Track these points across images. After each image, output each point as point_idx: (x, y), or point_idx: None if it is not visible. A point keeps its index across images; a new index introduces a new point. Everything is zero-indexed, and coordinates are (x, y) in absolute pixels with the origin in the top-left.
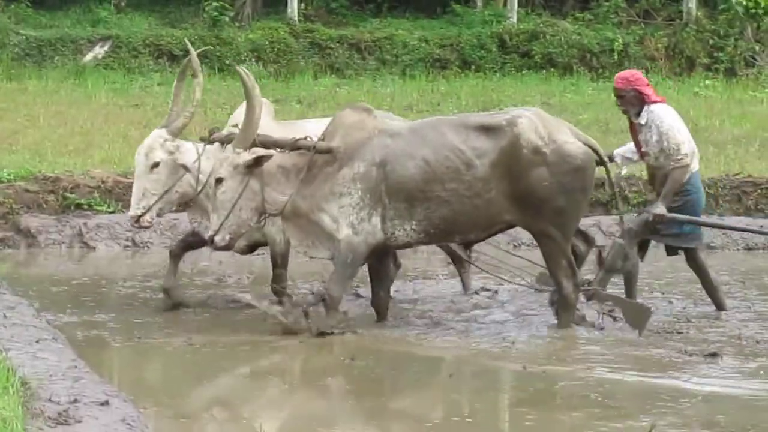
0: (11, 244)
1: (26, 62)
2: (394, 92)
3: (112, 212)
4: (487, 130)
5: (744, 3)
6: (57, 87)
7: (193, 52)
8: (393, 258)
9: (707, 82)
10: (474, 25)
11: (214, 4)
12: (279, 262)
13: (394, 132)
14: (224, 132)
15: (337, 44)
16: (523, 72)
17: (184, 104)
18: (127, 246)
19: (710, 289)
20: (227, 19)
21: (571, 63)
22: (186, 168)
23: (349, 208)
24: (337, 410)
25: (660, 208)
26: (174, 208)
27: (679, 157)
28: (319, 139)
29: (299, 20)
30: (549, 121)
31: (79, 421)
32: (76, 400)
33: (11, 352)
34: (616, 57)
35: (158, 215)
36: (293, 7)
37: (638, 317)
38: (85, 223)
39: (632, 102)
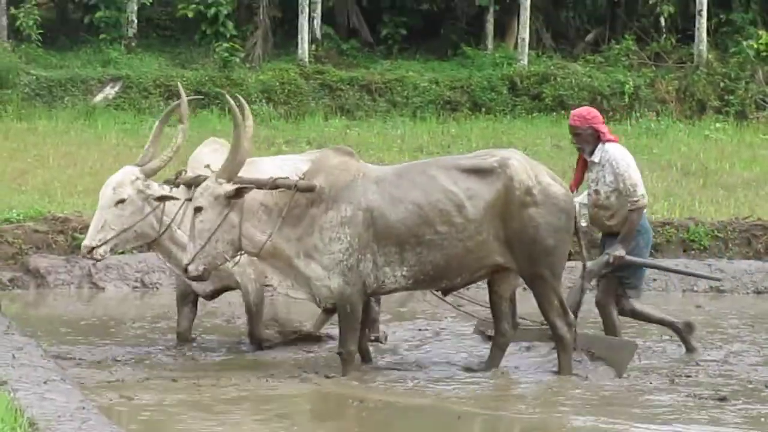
0: (20, 284)
1: (36, 102)
2: (404, 134)
3: (122, 253)
4: (478, 172)
5: (755, 46)
6: (67, 127)
7: (185, 98)
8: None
9: (718, 125)
10: (484, 68)
11: (225, 45)
12: (253, 312)
13: (379, 177)
14: (189, 174)
15: (348, 86)
16: (534, 114)
17: (163, 148)
18: (136, 287)
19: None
20: (238, 60)
21: (582, 105)
22: (153, 204)
23: (339, 254)
24: None
25: (620, 251)
26: (129, 248)
27: (635, 198)
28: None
29: (310, 61)
30: (532, 163)
31: None
32: None
33: (19, 393)
34: (626, 100)
35: (112, 250)
36: (304, 49)
37: (621, 355)
38: (94, 264)
39: (588, 140)
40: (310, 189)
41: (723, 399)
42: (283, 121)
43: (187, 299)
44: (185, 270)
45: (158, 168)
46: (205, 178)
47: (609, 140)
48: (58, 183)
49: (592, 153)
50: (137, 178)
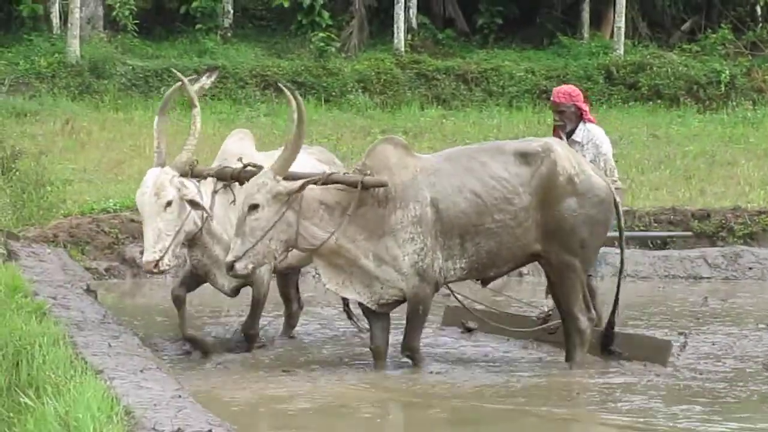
0: (116, 273)
1: (132, 92)
2: (500, 123)
3: None
4: (524, 156)
5: None
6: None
7: (186, 82)
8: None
9: None
10: (580, 57)
11: (321, 35)
12: (259, 305)
13: (434, 167)
14: (214, 166)
15: (444, 75)
16: (630, 104)
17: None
18: None
19: None
20: (333, 49)
21: (678, 95)
22: (197, 205)
23: (414, 255)
24: None
25: None
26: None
27: (614, 179)
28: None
29: (406, 51)
30: (573, 152)
31: None
32: (179, 430)
33: (115, 381)
34: (723, 89)
35: (174, 257)
36: (400, 38)
37: (659, 354)
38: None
39: (570, 117)
40: (381, 185)
41: None
42: (379, 111)
43: (182, 301)
44: (231, 267)
45: (188, 161)
46: (231, 170)
47: (590, 120)
48: None
49: (572, 132)
50: (173, 176)
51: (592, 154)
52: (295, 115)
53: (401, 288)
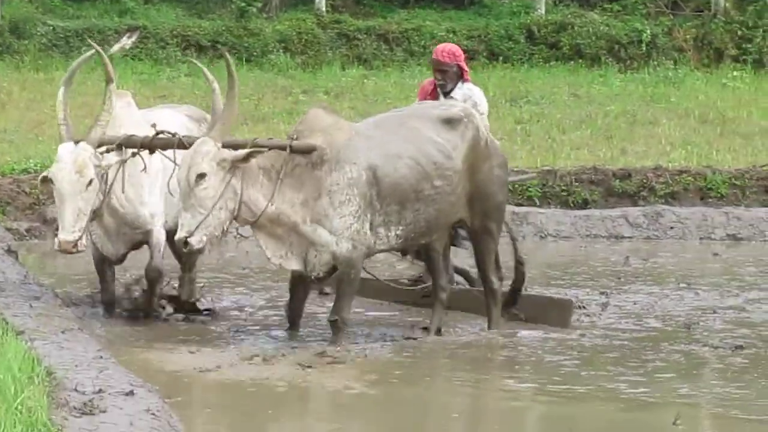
0: (37, 234)
1: (53, 53)
2: (421, 83)
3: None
4: (449, 122)
5: None
6: (83, 78)
7: (103, 53)
8: None
9: (735, 73)
10: (502, 17)
11: None
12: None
13: (369, 133)
14: (119, 135)
15: (365, 35)
16: (551, 63)
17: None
18: None
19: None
20: (255, 10)
21: (600, 54)
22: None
23: (350, 218)
24: None
25: None
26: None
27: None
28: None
29: (327, 11)
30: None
31: (104, 411)
32: (101, 390)
33: (36, 342)
34: (644, 48)
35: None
36: None
37: (561, 314)
38: None
39: (452, 77)
40: (310, 150)
41: (740, 347)
42: (300, 71)
43: (108, 264)
44: (185, 243)
45: (101, 136)
46: (139, 138)
47: (467, 80)
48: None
49: (450, 91)
50: (91, 153)
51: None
52: (228, 78)
53: (333, 252)
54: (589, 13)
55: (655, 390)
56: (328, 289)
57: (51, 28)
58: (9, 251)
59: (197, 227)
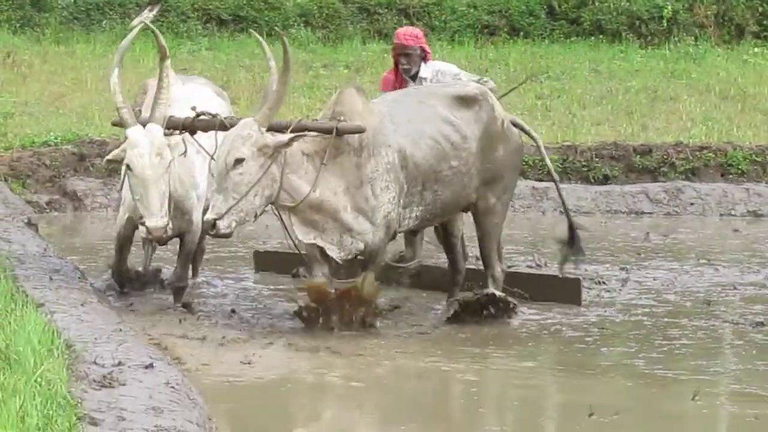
0: (58, 207)
1: (74, 26)
2: (442, 58)
3: None
4: (464, 100)
5: None
6: (105, 51)
7: (158, 32)
8: None
9: (756, 49)
10: None
11: None
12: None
13: (392, 113)
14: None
15: (386, 9)
16: (572, 39)
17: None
18: None
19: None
20: None
21: (620, 30)
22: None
23: (388, 205)
24: None
25: None
26: None
27: (486, 80)
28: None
29: None
30: None
31: (123, 384)
32: (120, 363)
33: (56, 315)
34: (665, 24)
35: None
36: None
37: (571, 292)
38: None
39: (416, 60)
40: (358, 131)
41: (761, 324)
42: (321, 45)
43: (127, 244)
44: (213, 225)
45: (165, 116)
46: (180, 120)
47: (429, 60)
48: (96, 106)
49: (416, 73)
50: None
51: (450, 82)
52: (283, 61)
53: (368, 240)
54: None
55: (675, 366)
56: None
57: (72, 1)
58: (29, 224)
59: (228, 211)
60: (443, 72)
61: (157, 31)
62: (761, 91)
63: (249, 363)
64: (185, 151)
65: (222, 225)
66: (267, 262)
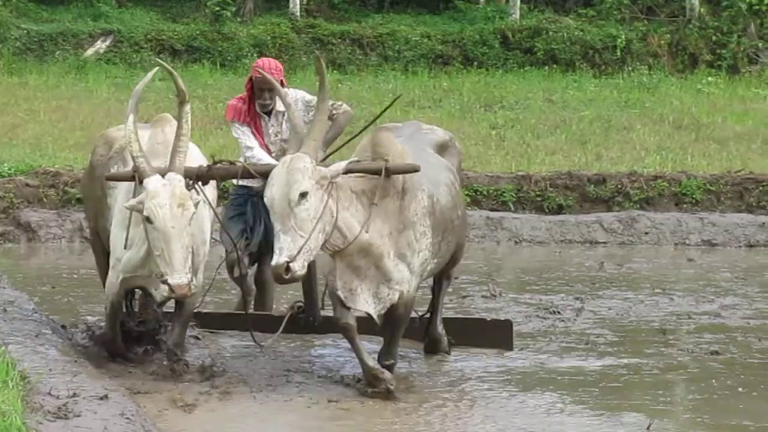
0: (11, 238)
1: (27, 57)
2: (396, 88)
3: None
4: (443, 147)
5: (747, 0)
6: (58, 81)
7: (177, 76)
8: None
9: (710, 78)
10: (476, 21)
11: None
12: None
13: (413, 158)
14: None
15: (339, 40)
16: (526, 68)
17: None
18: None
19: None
20: (229, 14)
21: (574, 59)
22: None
23: (426, 252)
24: None
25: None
26: None
27: (339, 104)
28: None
29: (301, 15)
30: None
31: (78, 416)
32: (75, 395)
33: (11, 346)
34: (618, 53)
35: None
36: (295, 3)
37: (502, 334)
38: (85, 218)
39: (276, 94)
40: (412, 170)
41: (715, 353)
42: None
43: (121, 311)
44: (287, 269)
45: (184, 165)
46: (194, 169)
47: None
48: (50, 137)
49: (272, 110)
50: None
51: (302, 109)
52: (319, 89)
53: (403, 291)
54: (563, 19)
55: (630, 395)
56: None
57: (25, 32)
58: None
59: (299, 251)
60: (296, 99)
61: (176, 74)
62: (715, 120)
63: None
64: (198, 203)
65: (296, 267)
66: (211, 321)
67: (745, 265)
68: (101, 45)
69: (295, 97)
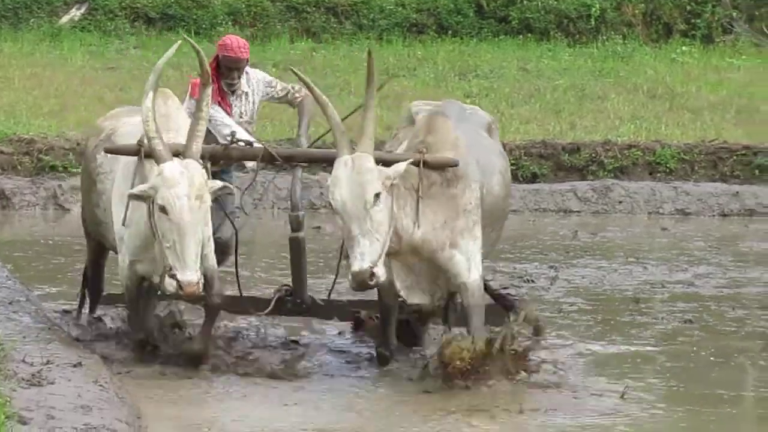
0: None
1: (2, 24)
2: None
3: None
4: (489, 131)
5: None
6: (32, 49)
7: (203, 54)
8: None
9: (684, 48)
10: None
11: None
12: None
13: (468, 143)
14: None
15: (314, 8)
16: (500, 37)
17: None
18: None
19: None
20: None
21: (549, 28)
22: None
23: (480, 240)
24: None
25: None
26: None
27: (296, 89)
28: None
29: None
30: None
31: (52, 383)
32: (49, 362)
33: None
34: (593, 23)
35: None
36: None
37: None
38: (59, 185)
39: (243, 72)
40: (450, 164)
41: (689, 321)
42: (249, 44)
43: (141, 296)
44: (371, 275)
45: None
46: (208, 148)
47: None
48: (24, 104)
49: (238, 88)
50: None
51: (263, 92)
52: (367, 82)
53: (464, 283)
54: None
55: (603, 364)
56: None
57: None
58: None
59: (380, 256)
60: (258, 80)
61: (202, 53)
62: (689, 89)
63: None
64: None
65: (380, 273)
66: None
67: (719, 234)
68: (76, 13)
69: (256, 78)
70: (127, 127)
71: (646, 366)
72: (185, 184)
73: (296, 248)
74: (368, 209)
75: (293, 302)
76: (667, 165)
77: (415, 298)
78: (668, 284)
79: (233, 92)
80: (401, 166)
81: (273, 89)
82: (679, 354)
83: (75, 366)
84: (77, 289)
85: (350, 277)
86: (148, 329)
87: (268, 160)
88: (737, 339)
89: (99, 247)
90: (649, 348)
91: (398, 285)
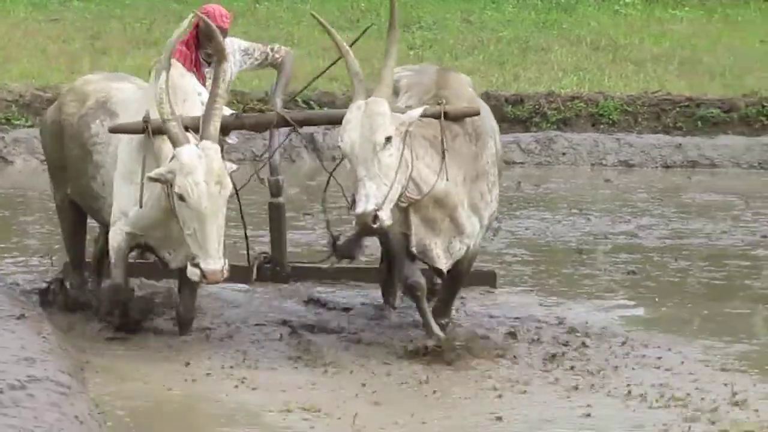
0: None
1: None
2: (313, 8)
3: (30, 126)
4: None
5: None
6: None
7: (216, 29)
8: None
9: (627, 0)
10: None
11: None
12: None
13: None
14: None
15: None
16: None
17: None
18: (45, 160)
19: None
20: None
21: None
22: None
23: (494, 203)
24: None
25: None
26: None
27: (275, 49)
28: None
29: None
30: None
31: None
32: None
33: None
34: None
35: None
36: None
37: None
38: (2, 138)
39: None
40: (473, 113)
41: (632, 273)
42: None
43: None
44: (375, 218)
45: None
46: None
47: None
48: None
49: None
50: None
51: (240, 61)
52: (389, 28)
53: (472, 244)
54: None
55: (547, 314)
56: None
57: None
58: None
59: (385, 200)
60: (234, 50)
61: (216, 30)
62: (632, 41)
63: None
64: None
65: (384, 216)
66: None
67: (662, 185)
68: None
69: (233, 47)
70: (122, 94)
71: (589, 315)
72: (203, 170)
73: (276, 214)
74: (377, 152)
75: (272, 269)
76: (610, 117)
77: (430, 259)
78: (611, 235)
79: (209, 63)
80: (416, 112)
81: (251, 57)
82: (621, 303)
83: (18, 318)
84: (19, 242)
85: (354, 219)
86: (125, 289)
87: (284, 125)
88: (680, 289)
89: (81, 217)
90: (591, 297)
91: (414, 242)
